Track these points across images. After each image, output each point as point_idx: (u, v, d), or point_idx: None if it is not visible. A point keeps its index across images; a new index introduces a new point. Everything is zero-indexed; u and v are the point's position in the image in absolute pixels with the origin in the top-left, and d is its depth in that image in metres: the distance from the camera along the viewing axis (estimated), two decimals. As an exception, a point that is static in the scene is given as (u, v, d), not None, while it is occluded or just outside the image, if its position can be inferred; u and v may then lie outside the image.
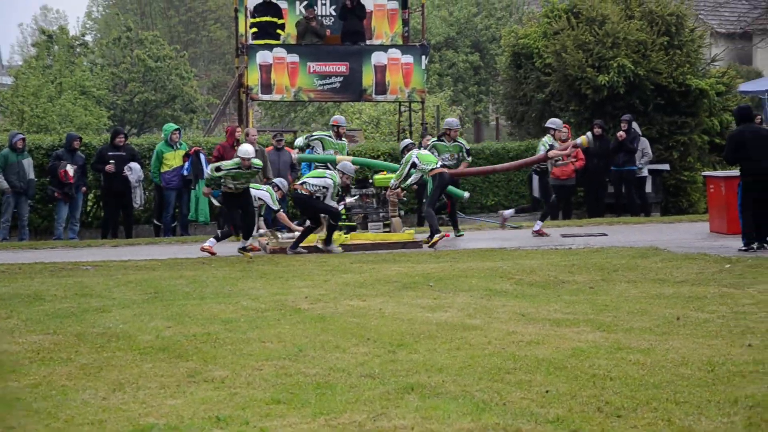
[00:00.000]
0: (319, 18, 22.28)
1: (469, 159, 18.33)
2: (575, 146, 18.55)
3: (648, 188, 22.56)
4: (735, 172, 17.14)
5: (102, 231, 19.96)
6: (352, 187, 17.51)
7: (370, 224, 17.45)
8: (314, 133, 18.63)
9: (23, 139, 19.31)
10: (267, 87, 21.34)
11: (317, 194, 15.92)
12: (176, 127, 20.25)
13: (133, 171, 19.35)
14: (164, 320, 10.00)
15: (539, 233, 17.82)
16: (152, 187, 20.35)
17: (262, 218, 17.67)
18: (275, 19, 21.72)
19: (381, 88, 21.77)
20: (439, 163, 16.96)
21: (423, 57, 22.01)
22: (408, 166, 16.75)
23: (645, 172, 22.17)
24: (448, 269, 13.41)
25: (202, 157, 19.38)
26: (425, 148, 18.32)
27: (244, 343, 8.81)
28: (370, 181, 17.86)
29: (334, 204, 16.14)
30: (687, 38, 24.45)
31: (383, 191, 17.45)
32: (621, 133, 21.11)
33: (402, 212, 18.19)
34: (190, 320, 9.97)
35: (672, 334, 8.85)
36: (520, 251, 15.63)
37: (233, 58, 24.54)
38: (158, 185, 19.71)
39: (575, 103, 23.82)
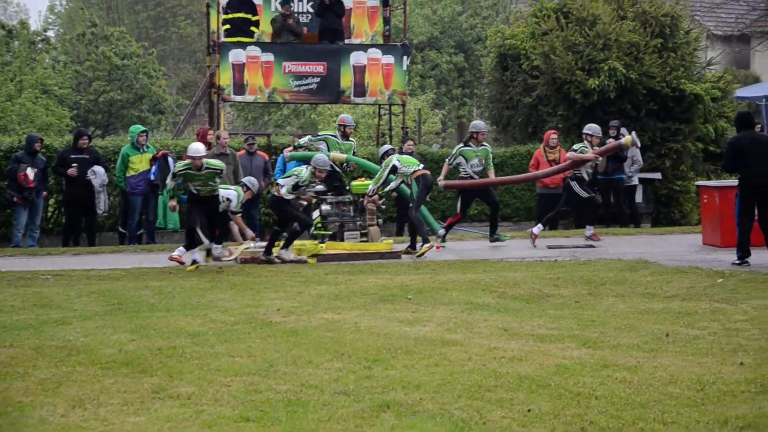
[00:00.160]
0: (296, 15, 22.29)
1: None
2: (620, 147, 18.58)
3: (638, 198, 22.67)
4: (729, 182, 17.28)
5: (63, 238, 19.90)
6: (329, 193, 17.54)
7: (346, 233, 17.46)
8: (319, 134, 18.70)
9: (-20, 140, 19.28)
10: (240, 87, 21.35)
11: (288, 196, 15.95)
12: (143, 128, 20.22)
13: (97, 175, 19.31)
14: (128, 333, 10.00)
15: (593, 238, 18.21)
16: (117, 192, 20.31)
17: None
18: (249, 16, 21.74)
19: (360, 89, 21.81)
20: (421, 165, 17.02)
21: (404, 57, 22.07)
22: (387, 171, 16.80)
23: (635, 181, 22.27)
24: (428, 281, 13.45)
25: (170, 160, 19.33)
26: (406, 154, 18.41)
27: (212, 358, 8.82)
28: (347, 187, 17.89)
29: (311, 214, 16.22)
30: (682, 40, 24.60)
31: (360, 198, 17.48)
32: (611, 140, 21.17)
33: (380, 221, 18.22)
34: (155, 333, 9.97)
35: (661, 352, 8.92)
36: (504, 263, 15.69)
37: (204, 56, 24.58)
38: (123, 190, 19.67)
39: (564, 108, 23.92)
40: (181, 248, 15.68)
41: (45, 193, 19.73)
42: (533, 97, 24.64)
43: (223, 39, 21.44)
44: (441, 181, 18.05)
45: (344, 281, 13.65)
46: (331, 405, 7.30)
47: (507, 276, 13.79)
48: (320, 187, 17.26)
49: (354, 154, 18.39)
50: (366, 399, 7.44)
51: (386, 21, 23.08)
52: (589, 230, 18.47)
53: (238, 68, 21.23)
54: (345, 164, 17.95)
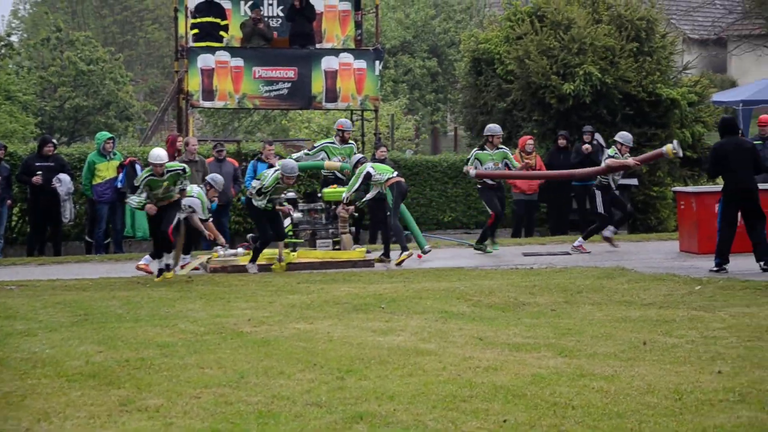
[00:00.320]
0: (266, 19, 22.25)
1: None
2: (661, 155, 18.60)
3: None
4: (706, 188, 17.38)
5: (28, 248, 19.80)
6: (300, 201, 17.54)
7: (318, 241, 17.46)
8: (317, 144, 18.61)
9: (-58, 148, 19.16)
10: (209, 93, 21.31)
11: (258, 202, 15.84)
12: (110, 135, 20.17)
13: (63, 183, 19.22)
14: (95, 344, 9.96)
15: (580, 249, 18.11)
16: (83, 201, 20.23)
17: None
18: (218, 20, 21.66)
19: (332, 95, 21.80)
20: (395, 173, 17.04)
21: (377, 62, 22.08)
22: (361, 178, 16.78)
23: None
24: (402, 290, 13.46)
25: (137, 168, 19.28)
26: (379, 161, 18.43)
27: (182, 369, 8.80)
28: (319, 195, 17.88)
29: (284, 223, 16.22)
30: (658, 44, 24.71)
31: (333, 206, 17.48)
32: (587, 146, 21.23)
33: (353, 229, 18.22)
34: (122, 344, 9.94)
35: (638, 360, 8.96)
36: (479, 271, 15.73)
37: (172, 61, 24.52)
38: (90, 198, 19.60)
39: (539, 113, 23.97)
40: (147, 257, 15.54)
41: (9, 201, 19.61)
42: (508, 102, 24.67)
43: (191, 44, 21.39)
44: (471, 169, 17.97)
45: (316, 290, 13.65)
46: (303, 417, 7.30)
47: (482, 284, 13.82)
48: (291, 195, 17.24)
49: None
50: (339, 410, 7.44)
51: (358, 25, 23.09)
52: (609, 231, 18.41)
53: (207, 73, 21.18)
54: (340, 172, 17.86)
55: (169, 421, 7.24)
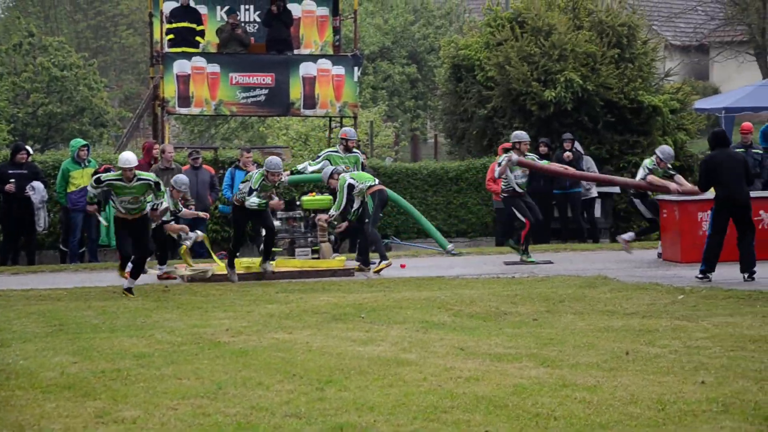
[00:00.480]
0: (243, 24, 22.25)
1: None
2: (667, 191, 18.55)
3: (597, 212, 22.81)
4: (689, 196, 17.43)
5: (1, 257, 19.72)
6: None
7: (297, 250, 17.46)
8: (320, 153, 18.38)
9: None
10: (185, 99, 21.29)
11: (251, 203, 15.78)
12: (84, 142, 20.10)
13: (36, 191, 19.17)
14: (70, 355, 9.94)
15: (627, 243, 18.28)
16: (57, 209, 20.18)
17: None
18: (194, 26, 21.64)
19: (310, 101, 21.82)
20: (376, 180, 17.04)
21: (355, 68, 22.11)
22: (345, 193, 16.63)
23: (594, 193, 22.38)
24: (382, 299, 13.48)
25: (112, 175, 19.26)
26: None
27: (158, 380, 8.79)
28: (298, 203, 17.87)
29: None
30: (639, 51, 24.83)
31: (311, 214, 17.46)
32: (568, 154, 21.32)
33: (332, 237, 18.21)
34: (98, 355, 9.93)
35: (621, 370, 8.99)
36: (460, 280, 15.75)
37: (147, 67, 24.49)
38: (64, 206, 19.55)
39: (519, 120, 24.03)
40: (158, 265, 16.02)
41: (-18, 210, 19.56)
42: (488, 108, 24.73)
43: (166, 49, 21.37)
44: (513, 157, 17.81)
45: (295, 300, 13.65)
46: (282, 428, 7.30)
47: (463, 293, 13.85)
48: (276, 223, 17.24)
49: (363, 166, 18.07)
50: (318, 422, 7.45)
51: (336, 31, 23.10)
52: (630, 235, 18.49)
53: (183, 79, 21.17)
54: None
55: (146, 433, 7.24)
